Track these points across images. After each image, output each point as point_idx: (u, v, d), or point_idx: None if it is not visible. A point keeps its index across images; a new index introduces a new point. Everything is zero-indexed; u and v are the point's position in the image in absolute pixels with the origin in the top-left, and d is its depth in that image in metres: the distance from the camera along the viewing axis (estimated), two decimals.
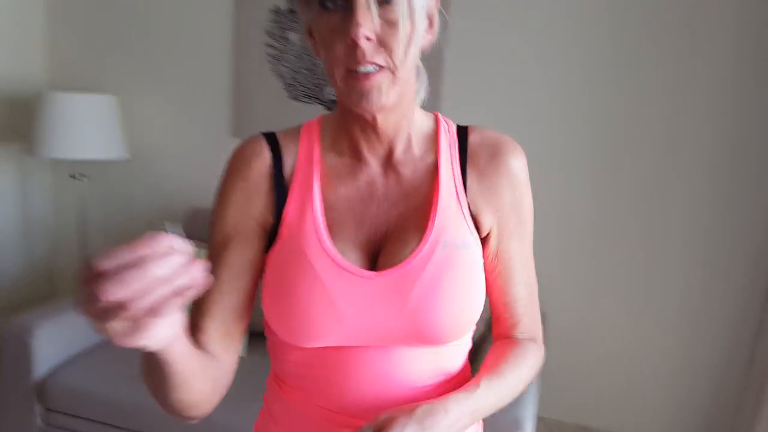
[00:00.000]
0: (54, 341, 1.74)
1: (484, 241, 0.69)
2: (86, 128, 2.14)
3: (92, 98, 2.17)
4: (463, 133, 0.70)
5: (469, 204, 0.67)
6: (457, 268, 0.63)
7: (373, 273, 0.62)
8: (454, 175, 0.67)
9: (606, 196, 2.01)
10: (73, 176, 2.34)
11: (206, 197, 2.42)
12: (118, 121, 2.28)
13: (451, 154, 0.68)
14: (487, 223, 0.68)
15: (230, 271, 0.66)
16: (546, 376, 1.73)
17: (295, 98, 2.23)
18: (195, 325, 0.66)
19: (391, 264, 0.63)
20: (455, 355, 0.70)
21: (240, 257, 0.66)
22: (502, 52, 2.01)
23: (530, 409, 1.53)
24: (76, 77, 2.51)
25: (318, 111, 2.21)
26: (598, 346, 2.09)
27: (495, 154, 0.68)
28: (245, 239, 0.66)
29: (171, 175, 2.48)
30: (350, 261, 0.63)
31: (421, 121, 0.70)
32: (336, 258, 0.62)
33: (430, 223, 0.64)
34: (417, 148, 0.68)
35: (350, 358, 0.64)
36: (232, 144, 2.34)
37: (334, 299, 0.61)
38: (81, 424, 1.70)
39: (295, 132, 0.71)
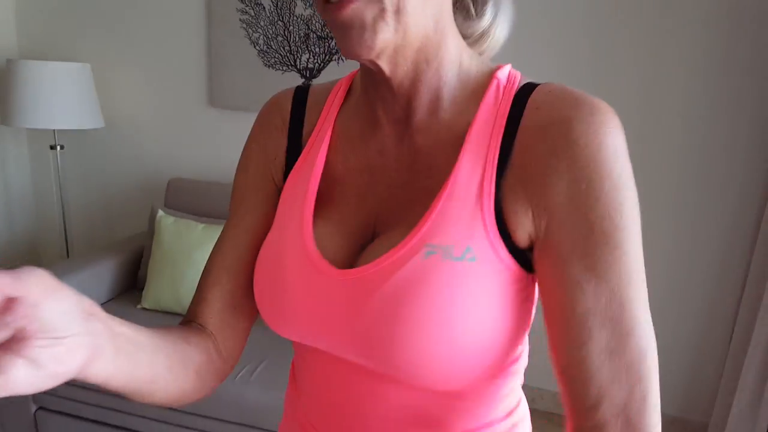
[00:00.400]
0: None
1: (530, 257, 0.47)
2: (61, 97, 2.11)
3: (66, 66, 2.13)
4: (526, 93, 0.47)
5: (498, 198, 0.46)
6: (443, 285, 0.44)
7: (336, 271, 0.48)
8: (488, 153, 0.46)
9: None
10: (53, 147, 2.32)
11: (184, 165, 2.42)
12: (94, 89, 2.25)
13: (495, 123, 0.47)
14: (523, 227, 0.45)
15: (244, 234, 0.58)
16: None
17: (270, 65, 2.19)
18: (202, 297, 0.58)
19: (365, 262, 0.48)
20: (448, 404, 0.51)
21: (254, 221, 0.58)
22: None
23: None
24: (49, 45, 2.46)
25: (294, 79, 2.18)
26: None
27: (554, 121, 0.44)
28: (260, 200, 0.58)
29: (148, 143, 2.46)
30: (325, 250, 0.50)
31: (463, 75, 0.50)
32: (305, 244, 0.50)
33: (424, 217, 0.46)
34: (448, 111, 0.49)
35: (319, 363, 0.54)
36: (208, 112, 2.37)
37: (288, 289, 0.50)
38: (70, 390, 1.73)
39: (330, 86, 0.59)
